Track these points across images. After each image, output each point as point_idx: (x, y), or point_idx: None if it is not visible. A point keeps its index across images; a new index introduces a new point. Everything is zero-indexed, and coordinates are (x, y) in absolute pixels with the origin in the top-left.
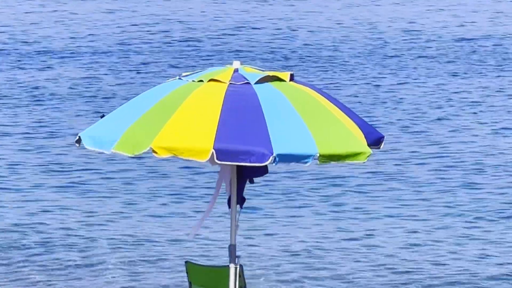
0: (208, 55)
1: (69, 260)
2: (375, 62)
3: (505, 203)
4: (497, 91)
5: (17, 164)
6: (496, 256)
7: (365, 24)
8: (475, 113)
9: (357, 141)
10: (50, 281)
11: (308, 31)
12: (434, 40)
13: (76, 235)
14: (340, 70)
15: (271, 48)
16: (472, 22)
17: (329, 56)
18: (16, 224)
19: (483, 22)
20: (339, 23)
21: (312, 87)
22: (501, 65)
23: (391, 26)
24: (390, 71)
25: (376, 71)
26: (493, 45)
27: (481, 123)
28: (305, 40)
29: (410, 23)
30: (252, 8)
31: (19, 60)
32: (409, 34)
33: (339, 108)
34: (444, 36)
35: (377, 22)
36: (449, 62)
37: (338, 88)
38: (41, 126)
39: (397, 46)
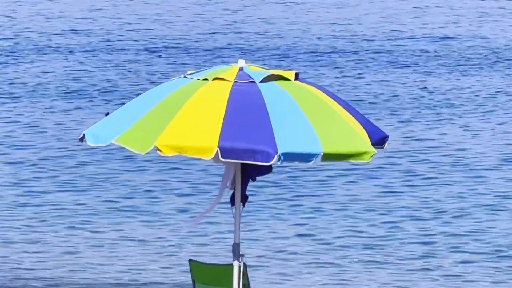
0: (212, 54)
1: (72, 258)
2: (377, 62)
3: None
4: (493, 88)
5: (18, 162)
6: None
7: (362, 22)
8: (469, 111)
9: (362, 140)
10: (48, 277)
11: (307, 30)
12: (434, 39)
13: (76, 234)
14: (342, 69)
15: (274, 47)
16: (467, 20)
17: (331, 55)
18: (13, 221)
19: (478, 19)
20: (338, 22)
21: (317, 86)
22: (497, 64)
23: (386, 25)
24: (389, 70)
25: (378, 69)
26: (488, 43)
27: (478, 121)
28: (306, 39)
29: (405, 21)
30: (252, 8)
31: (19, 57)
32: (405, 32)
33: (344, 107)
34: (440, 34)
35: (375, 20)
36: (446, 60)
37: (340, 86)
38: (44, 123)
39: (395, 44)
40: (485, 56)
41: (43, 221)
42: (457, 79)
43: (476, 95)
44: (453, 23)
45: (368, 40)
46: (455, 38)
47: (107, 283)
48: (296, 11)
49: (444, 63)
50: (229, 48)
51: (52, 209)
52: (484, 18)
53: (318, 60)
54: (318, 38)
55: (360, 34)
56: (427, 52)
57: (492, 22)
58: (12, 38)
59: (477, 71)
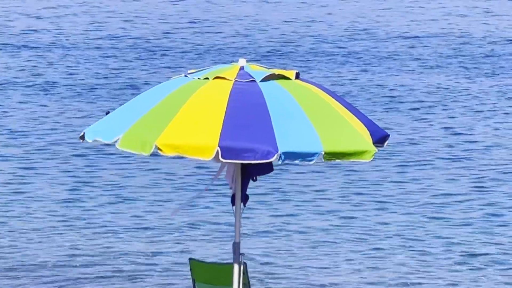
0: (212, 53)
1: (71, 256)
2: (379, 62)
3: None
4: (492, 90)
5: (21, 157)
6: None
7: (357, 21)
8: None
9: (363, 139)
10: (47, 272)
11: (307, 29)
12: (432, 38)
13: (75, 233)
14: (340, 69)
15: (274, 46)
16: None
17: (329, 54)
18: (17, 218)
19: (479, 22)
20: (336, 21)
21: (318, 85)
22: (501, 68)
23: (383, 23)
24: (388, 69)
25: (380, 69)
26: (491, 45)
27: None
28: (306, 38)
29: (403, 20)
30: (251, 7)
31: (21, 53)
32: (404, 31)
33: (345, 107)
34: (440, 33)
35: (373, 21)
36: (443, 59)
37: (341, 85)
38: (45, 121)
39: (392, 43)
40: (480, 55)
41: (38, 215)
42: (455, 79)
43: (474, 95)
44: (446, 20)
45: (367, 39)
46: (453, 36)
47: (107, 282)
48: (294, 9)
49: (438, 62)
50: (228, 47)
51: (46, 204)
52: (486, 17)
53: (317, 60)
54: (317, 37)
55: (357, 33)
56: (427, 51)
57: (493, 20)
58: (9, 34)
59: (472, 70)
